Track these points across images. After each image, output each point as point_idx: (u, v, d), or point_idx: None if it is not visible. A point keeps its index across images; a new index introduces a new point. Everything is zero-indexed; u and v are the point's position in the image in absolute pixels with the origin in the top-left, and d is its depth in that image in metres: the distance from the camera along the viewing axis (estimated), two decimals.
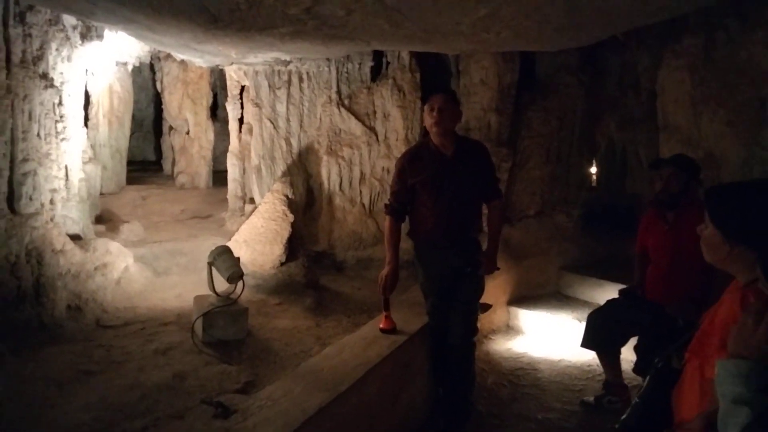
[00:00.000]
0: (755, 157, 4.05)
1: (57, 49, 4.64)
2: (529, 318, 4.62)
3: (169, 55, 7.58)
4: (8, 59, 4.20)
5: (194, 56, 5.75)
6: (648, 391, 1.60)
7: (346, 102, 6.40)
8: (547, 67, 5.93)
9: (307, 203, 6.54)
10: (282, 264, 5.68)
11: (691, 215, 2.79)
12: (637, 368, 3.02)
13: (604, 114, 5.82)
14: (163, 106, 9.38)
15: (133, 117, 9.13)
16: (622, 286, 3.36)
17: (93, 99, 7.91)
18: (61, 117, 4.77)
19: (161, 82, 9.14)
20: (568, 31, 4.02)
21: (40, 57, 4.48)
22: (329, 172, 6.38)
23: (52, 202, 4.73)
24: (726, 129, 4.22)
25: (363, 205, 6.45)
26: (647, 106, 5.23)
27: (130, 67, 7.90)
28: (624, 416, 1.62)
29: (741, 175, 4.06)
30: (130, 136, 8.99)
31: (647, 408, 1.59)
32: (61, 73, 4.74)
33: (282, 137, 6.54)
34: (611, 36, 4.66)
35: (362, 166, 6.39)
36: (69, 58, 4.81)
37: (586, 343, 3.24)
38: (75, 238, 5.00)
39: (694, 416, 1.35)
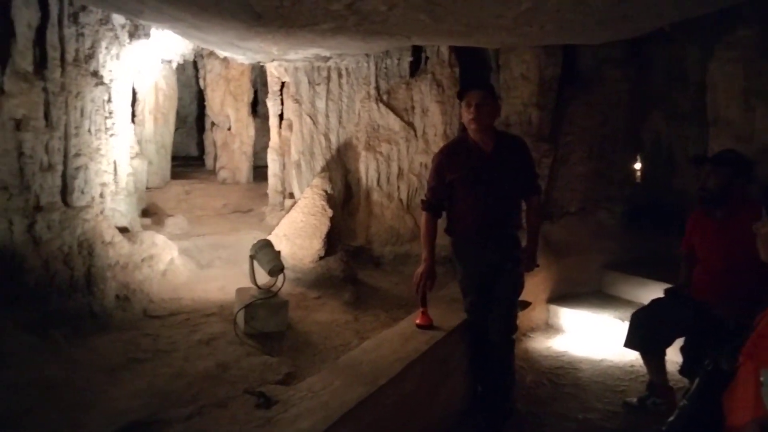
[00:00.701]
0: None
1: (107, 48, 4.80)
2: (569, 316, 4.54)
3: (211, 53, 7.73)
4: (62, 58, 4.38)
5: (236, 53, 5.86)
6: (696, 394, 1.56)
7: (384, 97, 6.41)
8: (590, 60, 5.78)
9: (345, 198, 6.59)
10: (321, 258, 5.76)
11: (744, 213, 2.68)
12: (683, 370, 2.94)
13: (650, 108, 5.64)
14: (205, 103, 9.58)
15: (177, 113, 9.35)
16: (667, 286, 3.24)
17: (139, 96, 8.13)
18: (110, 113, 4.94)
19: (204, 80, 9.35)
20: (614, 23, 3.92)
21: (91, 55, 4.65)
22: (367, 168, 6.40)
23: (102, 195, 4.91)
24: None
25: (401, 200, 6.45)
26: (696, 101, 5.05)
27: (174, 65, 8.09)
28: (671, 419, 1.58)
29: None
30: (174, 132, 9.22)
31: (695, 411, 1.55)
32: (111, 71, 4.91)
33: (321, 133, 6.60)
34: (658, 28, 4.51)
35: (400, 161, 6.40)
36: (118, 57, 4.97)
37: (630, 343, 3.16)
38: (123, 230, 5.18)
39: (746, 422, 1.31)
